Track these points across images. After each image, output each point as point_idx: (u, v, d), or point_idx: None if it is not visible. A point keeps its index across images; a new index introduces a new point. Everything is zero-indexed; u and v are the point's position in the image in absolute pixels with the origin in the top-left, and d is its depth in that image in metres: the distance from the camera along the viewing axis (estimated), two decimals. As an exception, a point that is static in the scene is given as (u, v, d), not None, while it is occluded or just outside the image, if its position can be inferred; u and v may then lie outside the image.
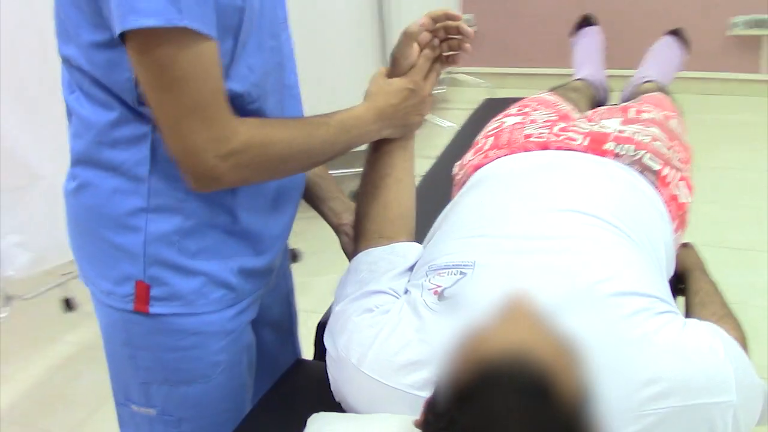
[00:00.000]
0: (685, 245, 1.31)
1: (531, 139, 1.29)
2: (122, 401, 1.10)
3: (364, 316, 0.95)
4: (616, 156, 1.23)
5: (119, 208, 0.98)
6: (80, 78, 0.94)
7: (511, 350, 0.67)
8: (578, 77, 1.92)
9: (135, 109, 0.93)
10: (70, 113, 1.00)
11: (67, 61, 0.96)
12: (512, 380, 0.65)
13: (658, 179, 1.22)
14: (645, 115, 1.41)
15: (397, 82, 1.10)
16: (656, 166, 1.23)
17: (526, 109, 1.45)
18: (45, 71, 1.85)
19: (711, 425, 0.81)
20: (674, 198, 1.22)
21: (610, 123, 1.36)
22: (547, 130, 1.31)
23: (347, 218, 1.22)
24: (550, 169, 1.17)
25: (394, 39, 1.20)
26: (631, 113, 1.42)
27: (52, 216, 1.70)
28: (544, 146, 1.27)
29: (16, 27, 1.85)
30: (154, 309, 1.01)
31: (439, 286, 0.92)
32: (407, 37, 1.09)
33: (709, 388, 0.81)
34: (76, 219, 1.04)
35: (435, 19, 1.09)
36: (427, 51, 1.10)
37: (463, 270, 0.93)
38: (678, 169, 1.26)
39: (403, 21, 2.82)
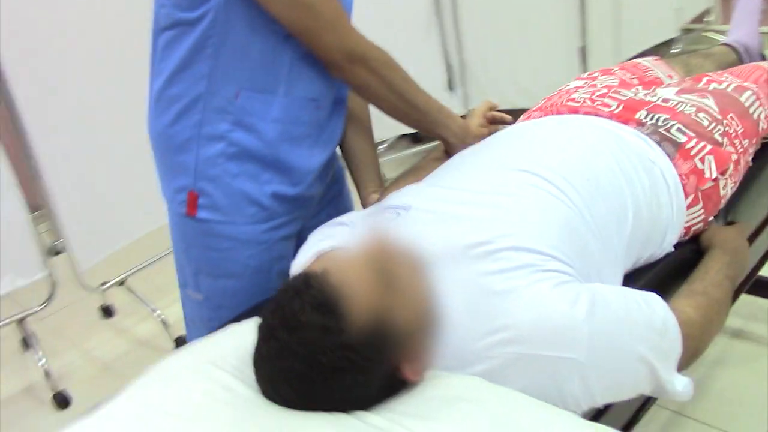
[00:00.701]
0: (726, 224, 1.27)
1: (567, 103, 1.33)
2: (182, 284, 1.41)
3: (324, 230, 1.14)
4: (639, 124, 1.24)
5: (180, 135, 1.27)
6: None
7: (325, 270, 0.83)
8: (724, 41, 1.81)
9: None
10: None
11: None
12: (304, 290, 0.81)
13: (678, 151, 1.20)
14: (713, 86, 1.36)
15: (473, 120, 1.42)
16: (681, 138, 1.21)
17: (596, 73, 1.47)
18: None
19: (555, 378, 0.87)
20: (695, 172, 1.20)
21: (664, 91, 1.34)
22: (588, 95, 1.34)
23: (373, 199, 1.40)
24: (544, 130, 1.22)
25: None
26: (702, 83, 1.38)
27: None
28: (575, 110, 1.31)
29: None
30: (200, 214, 1.29)
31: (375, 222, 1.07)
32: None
33: (555, 343, 0.87)
34: (155, 145, 1.34)
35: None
36: None
37: (399, 211, 1.06)
38: (717, 144, 1.23)
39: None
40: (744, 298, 2.14)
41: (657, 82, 1.50)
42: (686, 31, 3.92)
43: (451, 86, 3.13)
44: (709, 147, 1.22)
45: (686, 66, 1.65)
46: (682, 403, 1.92)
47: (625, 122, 1.25)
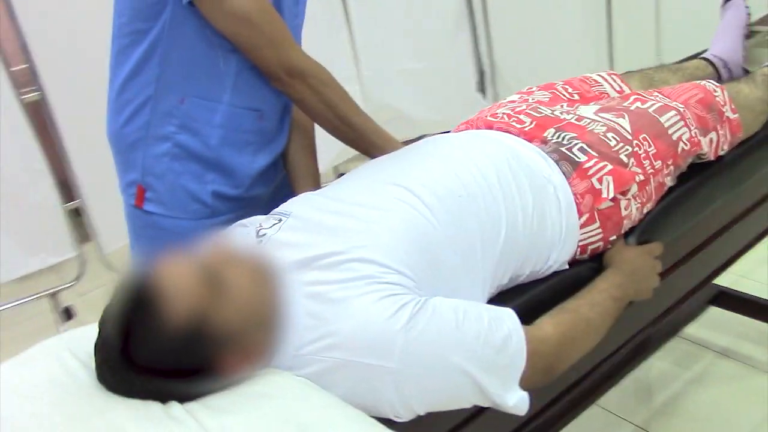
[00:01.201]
0: (638, 243, 1.28)
1: (487, 118, 1.37)
2: None
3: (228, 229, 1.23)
4: (543, 142, 1.27)
5: (131, 136, 1.38)
6: None
7: (153, 271, 0.92)
8: (703, 56, 1.78)
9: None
10: None
11: None
12: (127, 289, 0.90)
13: (576, 170, 1.22)
14: (635, 105, 1.35)
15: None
16: (580, 158, 1.23)
17: (533, 88, 1.49)
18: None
19: (372, 385, 0.93)
20: (592, 191, 1.21)
21: (585, 109, 1.36)
22: (510, 110, 1.37)
23: None
24: (441, 144, 1.26)
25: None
26: (628, 101, 1.38)
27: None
28: (490, 125, 1.34)
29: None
30: (147, 207, 1.41)
31: (261, 227, 1.15)
32: None
33: (371, 350, 0.92)
34: (111, 144, 1.46)
35: None
36: None
37: (281, 217, 1.14)
38: (621, 164, 1.23)
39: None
40: (737, 317, 2.10)
41: (600, 97, 1.51)
42: (752, 33, 3.77)
43: (482, 88, 3.15)
44: (609, 167, 1.23)
45: (649, 80, 1.63)
46: (649, 418, 1.91)
47: (531, 139, 1.28)
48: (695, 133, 1.35)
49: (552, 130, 1.29)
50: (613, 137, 1.27)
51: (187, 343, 0.90)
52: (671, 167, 1.32)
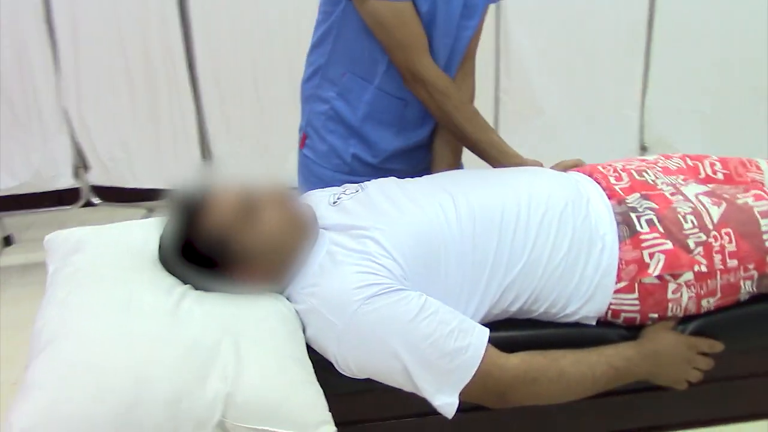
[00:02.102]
0: (666, 326, 1.26)
1: (598, 167, 1.41)
2: None
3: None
4: (619, 202, 1.29)
5: (306, 91, 1.70)
6: None
7: (212, 190, 1.22)
8: None
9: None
10: None
11: None
12: (180, 199, 1.22)
13: (631, 237, 1.24)
14: (746, 200, 1.28)
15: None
16: (642, 228, 1.24)
17: (677, 155, 1.47)
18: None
19: (325, 334, 1.14)
20: (638, 262, 1.22)
21: (691, 188, 1.33)
22: (622, 165, 1.40)
23: None
24: (515, 174, 1.37)
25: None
26: (746, 194, 1.30)
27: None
28: (592, 172, 1.39)
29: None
30: (305, 151, 1.73)
31: (344, 192, 1.38)
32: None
33: (331, 307, 1.13)
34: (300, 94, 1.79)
35: None
36: None
37: (359, 189, 1.36)
38: (684, 248, 1.22)
39: None
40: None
41: (749, 184, 1.43)
42: None
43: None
44: (668, 246, 1.22)
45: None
46: None
47: (611, 196, 1.31)
48: None
49: (637, 195, 1.30)
50: (691, 220, 1.25)
51: (213, 245, 1.18)
52: (753, 272, 1.24)
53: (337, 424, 1.20)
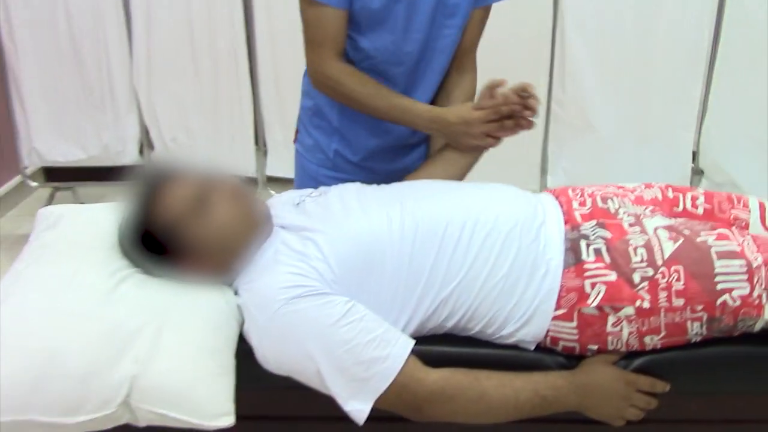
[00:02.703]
0: (605, 359, 1.23)
1: (568, 191, 1.39)
2: None
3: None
4: (573, 228, 1.27)
5: (302, 86, 1.75)
6: None
7: (171, 177, 1.28)
8: None
9: None
10: None
11: None
12: (139, 185, 1.28)
13: (575, 265, 1.22)
14: (708, 238, 1.22)
15: (463, 111, 1.53)
16: (587, 257, 1.22)
17: (660, 186, 1.43)
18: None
19: (250, 327, 1.19)
20: (579, 291, 1.20)
21: (654, 221, 1.28)
22: (591, 191, 1.37)
23: None
24: (479, 189, 1.37)
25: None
26: (710, 232, 1.24)
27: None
28: (558, 194, 1.37)
29: None
30: (296, 144, 1.80)
31: (310, 194, 1.41)
32: (486, 88, 1.51)
33: (257, 303, 1.19)
34: None
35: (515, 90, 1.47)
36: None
37: (322, 192, 1.40)
38: (628, 282, 1.18)
39: None
40: None
41: (731, 222, 1.37)
42: None
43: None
44: (611, 278, 1.19)
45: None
46: None
47: (567, 221, 1.29)
48: (760, 295, 1.19)
49: (593, 222, 1.27)
50: (641, 254, 1.21)
51: (164, 233, 1.24)
52: (702, 314, 1.19)
53: (264, 418, 1.25)
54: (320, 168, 1.73)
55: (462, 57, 1.67)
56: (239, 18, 2.98)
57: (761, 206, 1.40)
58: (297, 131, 1.79)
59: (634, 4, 2.74)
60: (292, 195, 1.44)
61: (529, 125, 1.50)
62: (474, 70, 1.72)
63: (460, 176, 1.62)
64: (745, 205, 1.40)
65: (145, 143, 3.26)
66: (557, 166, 2.93)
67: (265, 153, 3.21)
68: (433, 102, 1.68)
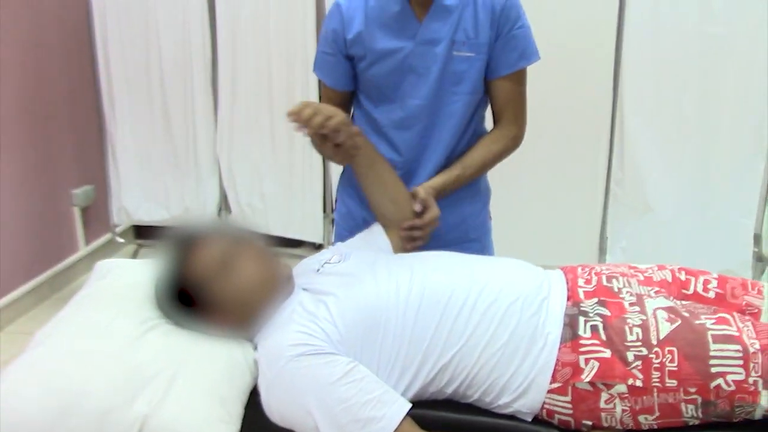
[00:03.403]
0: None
1: (578, 268, 1.43)
2: None
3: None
4: (574, 305, 1.31)
5: None
6: None
7: (210, 239, 1.41)
8: None
9: None
10: None
11: None
12: (173, 243, 1.42)
13: (572, 340, 1.26)
14: (707, 321, 1.24)
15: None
16: (582, 333, 1.26)
17: (673, 267, 1.45)
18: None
19: (261, 379, 1.29)
20: (573, 366, 1.24)
21: (656, 301, 1.31)
22: (600, 270, 1.41)
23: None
24: (490, 262, 1.43)
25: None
26: (711, 316, 1.26)
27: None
28: (568, 271, 1.42)
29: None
30: (335, 214, 1.93)
31: (329, 260, 1.51)
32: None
33: (267, 358, 1.28)
34: None
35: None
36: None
37: (341, 258, 1.49)
38: (622, 361, 1.22)
39: None
40: None
41: (742, 309, 1.38)
42: None
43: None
44: (605, 355, 1.22)
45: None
46: None
47: (569, 298, 1.33)
48: (756, 382, 1.19)
49: (594, 300, 1.31)
50: (637, 333, 1.24)
51: (191, 289, 1.36)
52: (696, 396, 1.20)
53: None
54: (351, 236, 1.84)
55: (499, 113, 1.73)
56: (314, 92, 3.17)
57: None
58: (335, 200, 1.91)
59: (694, 85, 2.76)
60: (312, 261, 1.55)
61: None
62: (516, 122, 1.74)
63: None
64: (759, 292, 1.40)
65: (223, 206, 3.47)
66: (615, 246, 2.93)
67: (332, 221, 3.35)
68: (465, 148, 1.74)
